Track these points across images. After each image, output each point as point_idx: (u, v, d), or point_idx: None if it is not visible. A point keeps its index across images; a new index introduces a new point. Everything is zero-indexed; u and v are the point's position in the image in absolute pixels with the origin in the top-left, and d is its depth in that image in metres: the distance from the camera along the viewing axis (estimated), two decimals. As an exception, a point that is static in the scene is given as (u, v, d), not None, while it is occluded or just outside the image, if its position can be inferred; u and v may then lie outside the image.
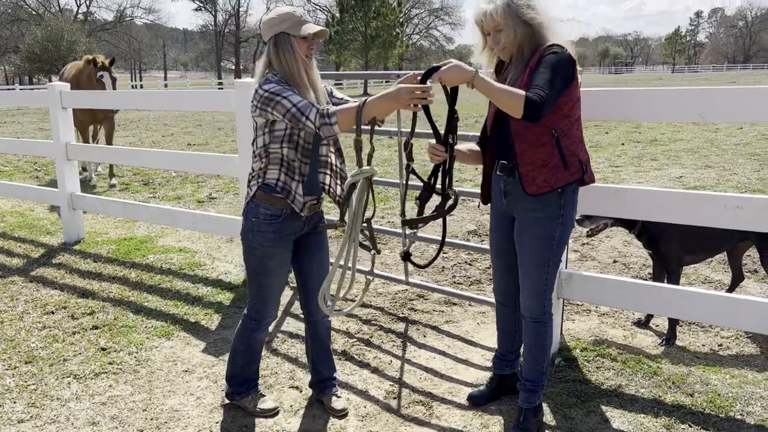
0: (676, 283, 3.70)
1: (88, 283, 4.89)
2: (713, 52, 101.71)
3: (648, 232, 3.71)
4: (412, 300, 4.44)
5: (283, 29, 2.61)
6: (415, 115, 2.60)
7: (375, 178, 2.80)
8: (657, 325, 3.94)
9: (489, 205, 2.96)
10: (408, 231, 2.88)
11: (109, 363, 3.56)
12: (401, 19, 50.85)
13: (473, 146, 2.95)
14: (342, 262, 2.63)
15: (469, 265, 5.22)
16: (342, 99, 2.83)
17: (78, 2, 62.95)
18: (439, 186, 2.74)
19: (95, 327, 4.04)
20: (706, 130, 13.89)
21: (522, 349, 3.02)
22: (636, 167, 9.21)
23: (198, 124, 19.23)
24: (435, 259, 2.88)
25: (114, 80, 8.64)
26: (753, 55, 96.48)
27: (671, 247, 3.68)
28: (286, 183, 2.66)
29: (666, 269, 3.77)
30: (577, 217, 3.68)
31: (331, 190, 2.76)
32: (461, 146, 2.89)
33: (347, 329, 3.97)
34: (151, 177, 9.58)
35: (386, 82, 47.67)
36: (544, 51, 2.51)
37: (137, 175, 9.78)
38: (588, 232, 3.81)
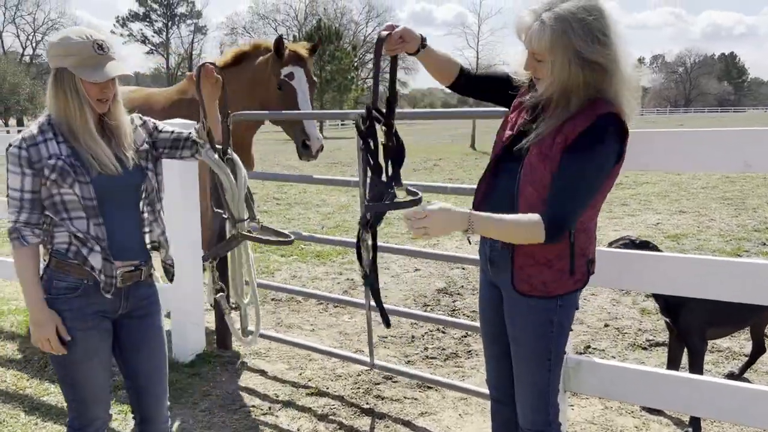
0: (700, 364, 3.03)
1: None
2: (656, 96, 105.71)
3: (665, 297, 3.03)
4: (378, 384, 3.66)
5: (65, 65, 1.92)
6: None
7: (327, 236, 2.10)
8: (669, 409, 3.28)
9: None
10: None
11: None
12: (356, 64, 50.98)
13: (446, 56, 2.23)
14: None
15: (443, 333, 4.49)
16: (173, 133, 2.20)
17: (23, 45, 61.38)
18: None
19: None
20: (669, 172, 13.67)
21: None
22: (608, 213, 8.71)
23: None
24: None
25: (312, 84, 4.06)
26: (693, 99, 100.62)
27: (694, 318, 2.99)
28: (77, 244, 2.02)
29: (687, 346, 3.09)
30: None
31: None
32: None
33: (298, 429, 3.16)
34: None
35: (342, 123, 47.65)
36: (594, 122, 1.82)
37: None
38: None
